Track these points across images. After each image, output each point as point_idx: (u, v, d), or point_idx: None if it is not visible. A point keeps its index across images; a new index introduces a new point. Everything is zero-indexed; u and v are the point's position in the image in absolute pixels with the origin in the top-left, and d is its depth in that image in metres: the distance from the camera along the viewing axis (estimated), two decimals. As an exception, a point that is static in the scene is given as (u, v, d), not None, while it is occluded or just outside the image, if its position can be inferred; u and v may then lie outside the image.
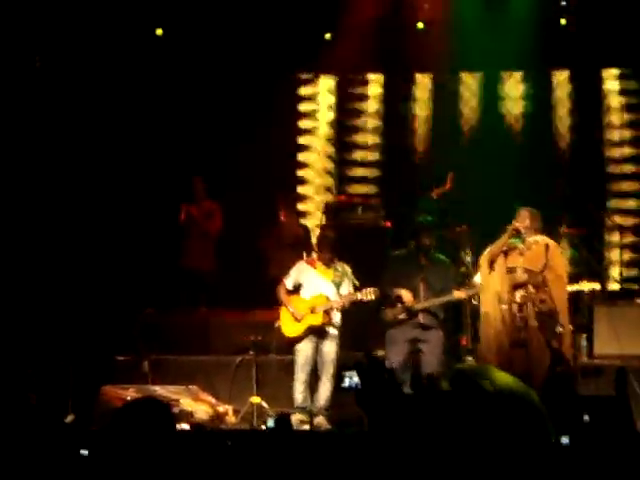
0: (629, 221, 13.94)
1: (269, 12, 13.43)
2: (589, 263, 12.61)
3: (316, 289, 10.59)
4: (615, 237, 13.42)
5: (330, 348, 10.46)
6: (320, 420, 10.34)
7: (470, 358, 11.34)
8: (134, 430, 3.27)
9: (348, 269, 10.69)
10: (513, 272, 9.78)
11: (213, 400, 10.70)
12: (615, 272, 13.29)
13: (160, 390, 10.51)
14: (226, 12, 13.36)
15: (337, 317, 10.56)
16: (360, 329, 11.30)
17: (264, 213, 12.86)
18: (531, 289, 9.64)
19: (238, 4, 13.33)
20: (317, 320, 10.47)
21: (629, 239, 13.79)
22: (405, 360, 10.24)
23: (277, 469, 6.46)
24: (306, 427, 10.15)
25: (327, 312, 10.49)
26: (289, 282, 10.70)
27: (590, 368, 11.10)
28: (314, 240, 11.99)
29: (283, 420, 8.42)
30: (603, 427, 8.34)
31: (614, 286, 13.14)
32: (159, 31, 13.63)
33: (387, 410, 1.92)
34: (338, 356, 10.47)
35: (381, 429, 1.90)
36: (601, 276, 12.77)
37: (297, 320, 10.52)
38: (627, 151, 14.29)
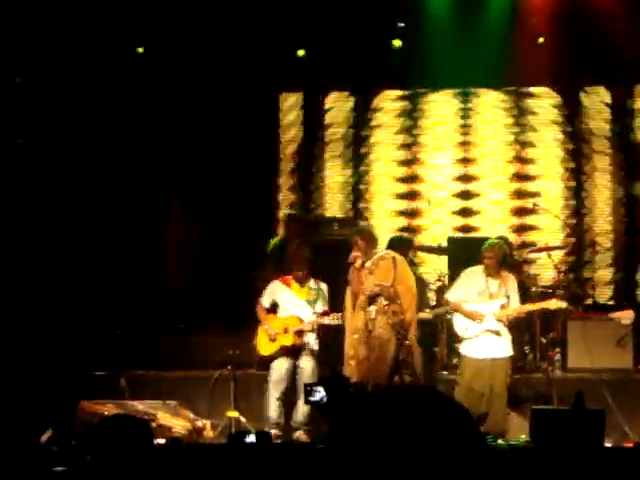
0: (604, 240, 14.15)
1: (248, 30, 13.51)
2: (568, 282, 12.79)
3: (291, 309, 10.74)
4: (588, 253, 13.58)
5: (306, 365, 10.55)
6: (299, 435, 10.44)
7: (445, 372, 11.50)
8: (112, 446, 3.36)
9: (324, 287, 10.84)
10: (373, 304, 9.76)
11: (191, 415, 10.74)
12: (590, 288, 13.42)
13: (138, 405, 10.54)
14: (206, 31, 13.44)
15: (311, 337, 10.66)
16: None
17: (243, 231, 13.04)
18: (383, 302, 9.62)
19: (217, 23, 13.40)
20: (289, 341, 10.61)
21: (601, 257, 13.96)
22: None
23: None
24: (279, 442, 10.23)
25: (299, 333, 10.60)
26: (265, 301, 10.89)
27: (564, 381, 11.27)
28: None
29: (264, 435, 8.51)
30: (566, 440, 8.51)
31: (588, 301, 13.27)
32: (140, 49, 13.73)
33: (351, 421, 2.03)
34: (316, 372, 10.57)
35: (343, 439, 2.01)
36: (578, 293, 12.94)
37: (271, 339, 10.65)
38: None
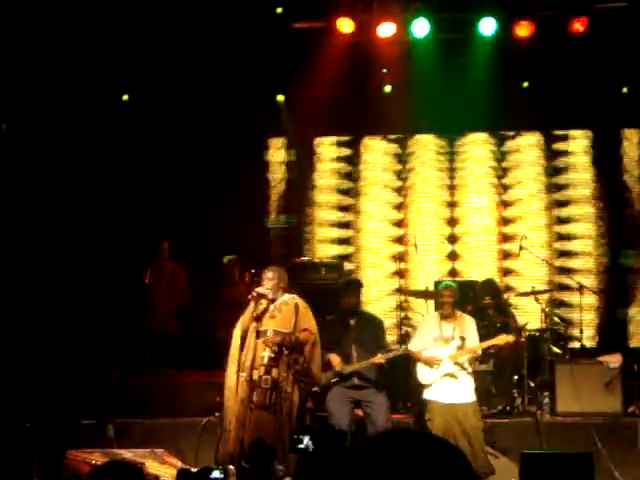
0: (588, 281, 14.20)
1: (234, 75, 13.62)
2: (555, 324, 12.82)
3: None
4: (576, 297, 13.54)
5: None
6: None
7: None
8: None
9: None
10: (264, 335, 9.60)
11: (179, 463, 10.65)
12: (576, 331, 13.39)
13: (126, 454, 10.44)
14: (190, 77, 13.54)
15: None
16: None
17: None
18: (285, 351, 9.50)
19: (200, 69, 13.50)
20: None
21: (590, 298, 13.99)
22: (350, 420, 10.37)
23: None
24: None
25: None
26: None
27: (553, 425, 11.27)
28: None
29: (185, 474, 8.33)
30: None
31: (575, 345, 13.27)
32: (125, 96, 13.82)
33: (338, 468, 2.01)
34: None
35: None
36: (564, 335, 12.95)
37: None
38: (585, 209, 14.59)
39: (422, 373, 10.46)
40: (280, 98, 14.26)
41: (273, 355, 9.52)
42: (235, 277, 12.88)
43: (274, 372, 9.52)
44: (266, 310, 9.67)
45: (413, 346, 10.59)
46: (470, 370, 10.43)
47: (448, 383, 10.30)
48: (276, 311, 9.66)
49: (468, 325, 10.50)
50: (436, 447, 2.00)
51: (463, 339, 10.36)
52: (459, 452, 2.03)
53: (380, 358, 10.51)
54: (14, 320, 12.24)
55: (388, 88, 14.02)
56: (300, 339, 9.57)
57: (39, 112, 12.88)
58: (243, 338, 9.63)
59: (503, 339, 10.62)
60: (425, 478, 1.93)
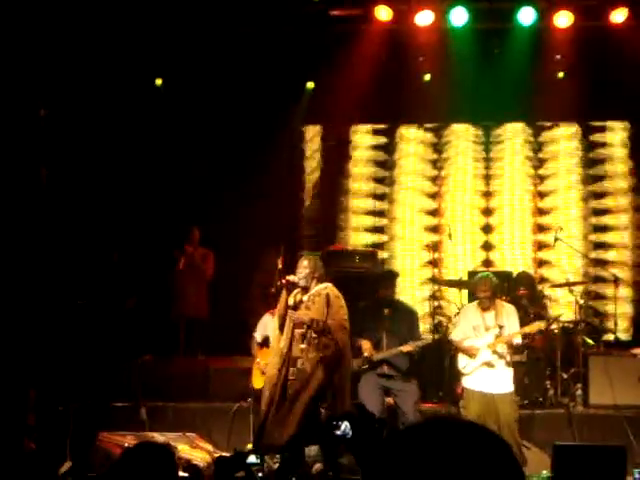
0: (623, 273, 14.11)
1: (270, 61, 13.61)
2: (590, 315, 12.75)
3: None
4: (610, 289, 13.46)
5: None
6: (318, 467, 10.37)
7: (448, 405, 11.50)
8: (138, 474, 3.35)
9: None
10: (300, 327, 9.49)
11: (211, 447, 10.71)
12: (611, 323, 13.31)
13: (158, 437, 10.50)
14: (224, 64, 13.54)
15: None
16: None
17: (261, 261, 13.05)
18: (312, 334, 9.37)
19: (236, 55, 13.50)
20: None
21: (625, 290, 13.91)
22: (381, 408, 10.36)
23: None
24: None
25: None
26: (257, 335, 11.02)
27: (585, 417, 11.22)
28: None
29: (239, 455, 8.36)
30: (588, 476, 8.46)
31: (609, 337, 13.19)
32: (159, 81, 13.84)
33: (378, 456, 1.98)
34: None
35: (373, 475, 1.96)
36: (598, 327, 12.88)
37: (263, 373, 10.53)
38: (621, 202, 14.50)
39: (463, 362, 10.46)
40: (310, 85, 14.22)
41: (306, 345, 9.47)
42: (268, 264, 12.89)
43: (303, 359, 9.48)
44: (301, 302, 9.62)
45: (455, 336, 10.60)
46: (509, 360, 10.36)
47: (486, 372, 10.27)
48: (310, 302, 9.60)
49: (508, 313, 10.43)
50: (480, 436, 1.96)
51: (501, 327, 10.32)
52: (503, 442, 1.98)
53: (409, 347, 10.54)
54: (49, 304, 12.33)
55: (428, 76, 13.96)
56: (329, 325, 9.46)
57: (77, 98, 12.96)
58: (281, 327, 9.60)
59: (535, 326, 10.58)
60: (469, 467, 1.89)
